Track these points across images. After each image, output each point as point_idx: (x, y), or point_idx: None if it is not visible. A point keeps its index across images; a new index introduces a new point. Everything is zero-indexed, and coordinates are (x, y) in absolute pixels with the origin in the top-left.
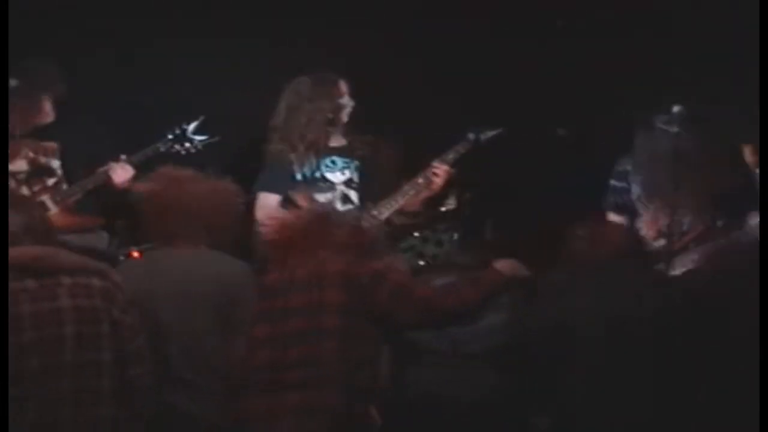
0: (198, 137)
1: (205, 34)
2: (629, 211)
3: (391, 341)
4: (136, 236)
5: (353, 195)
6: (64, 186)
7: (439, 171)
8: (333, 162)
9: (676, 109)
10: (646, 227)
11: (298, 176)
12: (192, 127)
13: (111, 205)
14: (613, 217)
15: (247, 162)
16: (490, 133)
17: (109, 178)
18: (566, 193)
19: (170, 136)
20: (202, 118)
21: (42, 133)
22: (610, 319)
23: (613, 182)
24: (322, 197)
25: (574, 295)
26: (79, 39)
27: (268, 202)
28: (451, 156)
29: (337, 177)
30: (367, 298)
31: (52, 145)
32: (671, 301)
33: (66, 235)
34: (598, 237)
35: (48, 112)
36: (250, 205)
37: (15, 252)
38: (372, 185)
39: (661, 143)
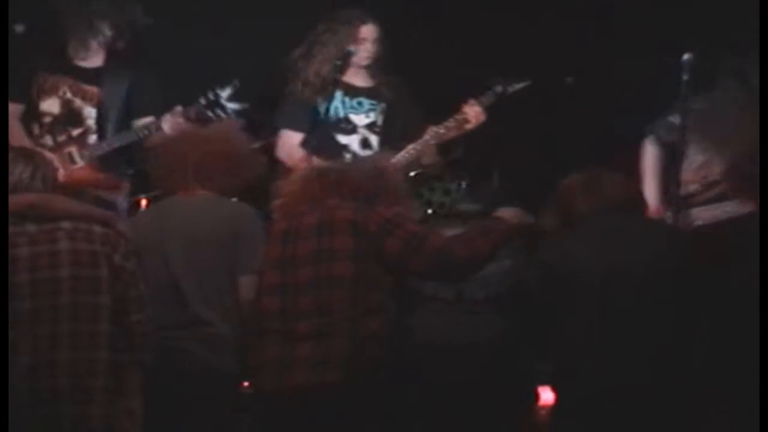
0: (231, 105)
1: None
2: (671, 148)
3: (396, 288)
4: (143, 184)
5: (374, 139)
6: (91, 138)
7: (472, 111)
8: (359, 103)
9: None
10: (688, 170)
11: (322, 114)
12: (225, 93)
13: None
14: (652, 148)
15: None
16: (518, 85)
17: (160, 129)
18: (572, 142)
19: (203, 102)
20: (236, 84)
21: (84, 74)
22: (611, 267)
23: (670, 118)
24: (343, 139)
25: (574, 243)
26: None
27: (289, 141)
28: (485, 99)
29: (361, 119)
30: (377, 246)
31: (93, 89)
32: (671, 250)
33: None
34: (595, 189)
35: (101, 51)
36: (269, 146)
37: (12, 199)
38: (394, 130)
39: (729, 94)
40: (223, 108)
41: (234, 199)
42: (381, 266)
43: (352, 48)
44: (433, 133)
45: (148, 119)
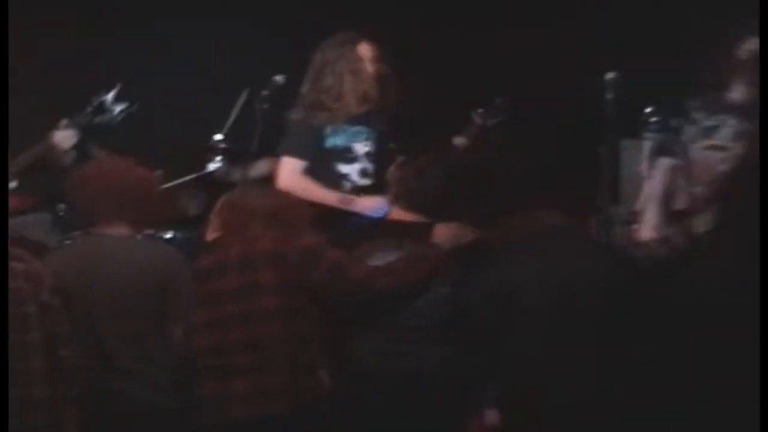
0: (118, 107)
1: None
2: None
3: (332, 317)
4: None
5: (370, 168)
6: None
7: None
8: (360, 132)
9: None
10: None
11: (327, 144)
12: (110, 96)
13: (51, 185)
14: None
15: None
16: (495, 120)
17: (54, 146)
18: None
19: (89, 109)
20: (119, 86)
21: None
22: (552, 288)
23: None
24: (343, 168)
25: (515, 264)
26: None
27: (291, 168)
28: (469, 131)
29: (361, 148)
30: (300, 275)
31: None
32: (616, 270)
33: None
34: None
35: None
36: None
37: None
38: (389, 159)
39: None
40: (110, 111)
41: (161, 236)
42: (306, 296)
43: (352, 71)
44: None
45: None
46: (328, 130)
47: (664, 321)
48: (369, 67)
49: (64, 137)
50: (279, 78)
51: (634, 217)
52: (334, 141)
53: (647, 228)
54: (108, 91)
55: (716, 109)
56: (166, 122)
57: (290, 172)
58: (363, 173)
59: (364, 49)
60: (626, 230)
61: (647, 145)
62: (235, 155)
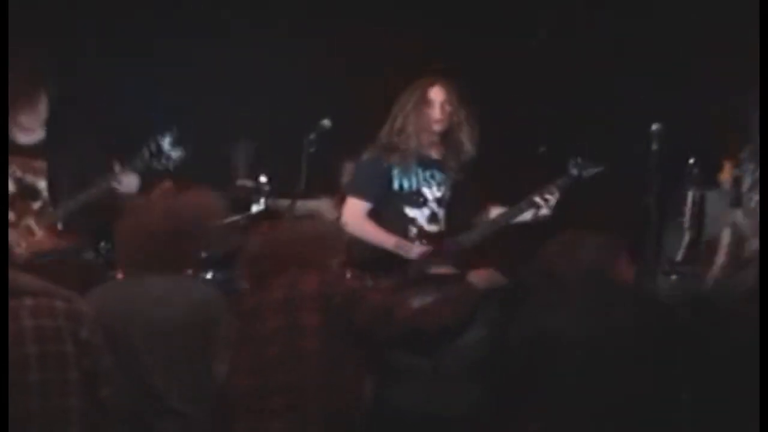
0: (174, 152)
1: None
2: None
3: (371, 361)
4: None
5: (441, 214)
6: (50, 209)
7: (551, 198)
8: (432, 176)
9: None
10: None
11: (396, 185)
12: (166, 141)
13: (99, 225)
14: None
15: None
16: (593, 170)
17: (115, 191)
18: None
19: (146, 154)
20: (174, 129)
21: (30, 151)
22: (591, 335)
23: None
24: (411, 212)
25: (554, 309)
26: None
27: (355, 209)
28: (560, 184)
29: (432, 193)
30: (344, 318)
31: (40, 163)
32: (652, 319)
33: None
34: (575, 253)
35: (39, 120)
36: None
37: None
38: (460, 205)
39: None
40: (167, 156)
41: (203, 276)
42: (349, 339)
43: (421, 115)
44: (507, 211)
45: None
46: (397, 171)
47: (698, 370)
48: (437, 110)
49: (125, 180)
50: (326, 122)
51: (673, 268)
52: (404, 183)
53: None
54: (163, 135)
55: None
56: (213, 162)
57: (353, 213)
58: (432, 219)
59: (435, 92)
60: (666, 280)
61: (690, 196)
62: (279, 197)
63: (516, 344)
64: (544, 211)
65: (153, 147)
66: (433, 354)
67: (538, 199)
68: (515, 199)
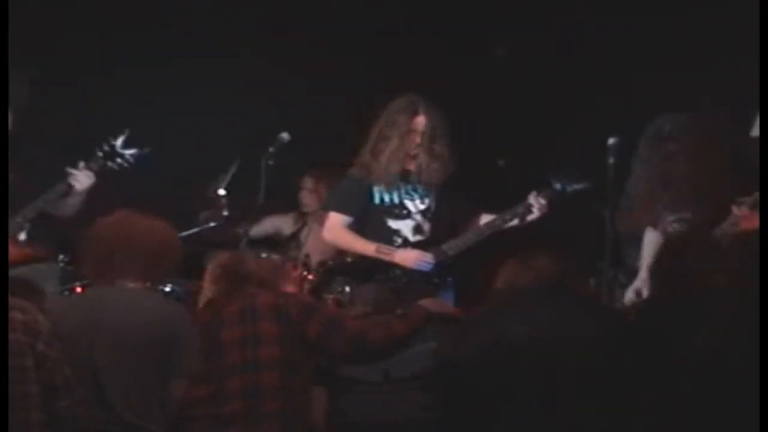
0: (128, 151)
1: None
2: None
3: (323, 374)
4: (78, 272)
5: (426, 226)
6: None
7: (538, 204)
8: (414, 189)
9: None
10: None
11: (377, 200)
12: (120, 141)
13: (58, 236)
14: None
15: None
16: (577, 186)
17: (70, 187)
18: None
19: (100, 154)
20: (127, 131)
21: None
22: (538, 344)
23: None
24: (394, 224)
25: (503, 320)
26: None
27: (336, 223)
28: (545, 195)
29: (416, 206)
30: (299, 330)
31: None
32: (604, 327)
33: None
34: (534, 265)
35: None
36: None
37: None
38: (446, 216)
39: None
40: (121, 156)
41: (167, 288)
42: (303, 350)
43: (406, 134)
44: (491, 221)
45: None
46: (377, 189)
47: (653, 381)
48: (419, 136)
49: (81, 177)
50: (285, 135)
51: (630, 280)
52: (384, 198)
53: (632, 292)
54: (116, 136)
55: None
56: (168, 177)
57: (333, 226)
58: (416, 230)
59: (418, 122)
60: (623, 292)
61: None
62: (238, 210)
63: (469, 354)
64: (532, 216)
65: (106, 147)
66: (385, 365)
67: (521, 210)
68: (506, 206)
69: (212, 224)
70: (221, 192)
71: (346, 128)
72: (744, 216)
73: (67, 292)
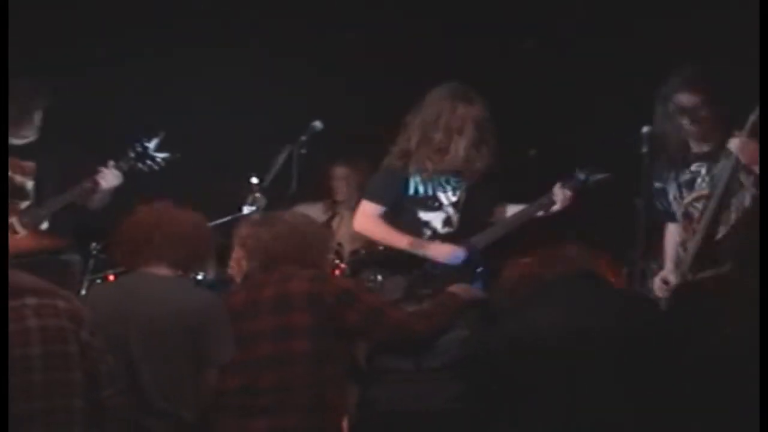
0: (160, 155)
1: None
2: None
3: (354, 363)
4: (110, 260)
5: (455, 217)
6: (35, 210)
7: (562, 194)
8: (447, 181)
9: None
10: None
11: (411, 191)
12: (153, 144)
13: (85, 226)
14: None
15: (209, 179)
16: (600, 176)
17: (97, 184)
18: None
19: (132, 155)
20: (162, 134)
21: (20, 151)
22: (570, 333)
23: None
24: (425, 216)
25: (539, 311)
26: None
27: (368, 212)
28: (571, 184)
29: (448, 197)
30: (335, 318)
31: (29, 164)
32: (638, 317)
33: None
34: (553, 257)
35: (34, 129)
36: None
37: None
38: (477, 208)
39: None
40: (152, 158)
41: (198, 276)
42: (339, 339)
43: (449, 126)
44: (518, 213)
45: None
46: (417, 178)
47: (684, 371)
48: (474, 129)
49: (109, 176)
50: (317, 124)
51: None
52: (419, 189)
53: (659, 283)
54: (150, 138)
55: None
56: (203, 163)
57: (366, 215)
58: (446, 222)
59: (474, 110)
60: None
61: None
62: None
63: (499, 343)
64: (556, 207)
65: (139, 148)
66: (416, 354)
67: (547, 201)
68: (528, 198)
69: (246, 212)
70: (254, 180)
71: (378, 119)
72: (741, 146)
73: (99, 281)
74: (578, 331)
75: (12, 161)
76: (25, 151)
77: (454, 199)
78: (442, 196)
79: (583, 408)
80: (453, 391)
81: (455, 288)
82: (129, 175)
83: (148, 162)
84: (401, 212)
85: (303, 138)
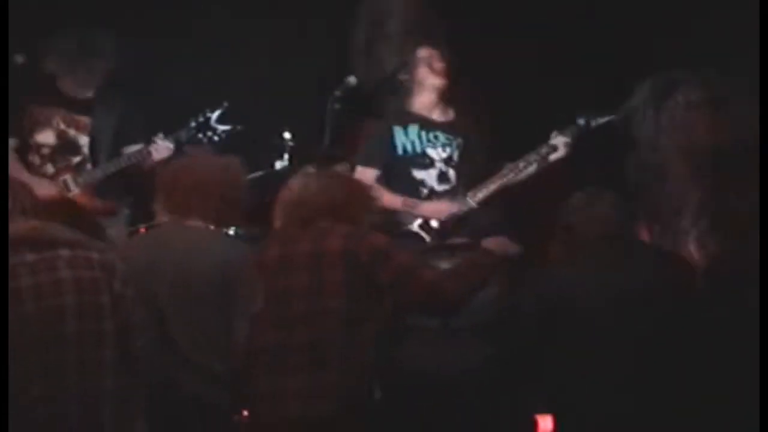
0: (221, 126)
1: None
2: None
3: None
4: (144, 213)
5: (451, 173)
6: (88, 166)
7: (560, 142)
8: (435, 137)
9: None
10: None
11: (399, 150)
12: (215, 115)
13: (137, 189)
14: None
15: (268, 152)
16: (601, 120)
17: (149, 155)
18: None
19: (193, 125)
20: (225, 106)
21: (76, 105)
22: (609, 294)
23: None
24: (419, 174)
25: (572, 271)
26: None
27: (364, 177)
28: (570, 131)
29: (438, 153)
30: (369, 276)
31: (84, 120)
32: (672, 278)
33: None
34: (592, 213)
35: (93, 86)
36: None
37: (12, 227)
38: (471, 164)
39: None
40: (213, 130)
41: (230, 231)
42: (372, 297)
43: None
44: (514, 165)
45: (137, 146)
46: (398, 133)
47: (716, 331)
48: (436, 78)
49: (162, 148)
50: (352, 79)
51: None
52: (407, 147)
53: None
54: (213, 110)
55: None
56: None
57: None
58: (442, 178)
59: (435, 64)
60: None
61: None
62: (303, 154)
63: (529, 301)
64: (558, 155)
65: (201, 118)
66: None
67: (544, 150)
68: (524, 150)
69: (278, 168)
70: (287, 135)
71: None
72: None
73: (135, 232)
74: (613, 294)
75: (65, 114)
76: (80, 106)
77: (444, 155)
78: (432, 153)
79: (614, 371)
80: (481, 351)
81: (490, 242)
82: (177, 151)
83: (209, 133)
84: (396, 174)
85: (337, 93)
